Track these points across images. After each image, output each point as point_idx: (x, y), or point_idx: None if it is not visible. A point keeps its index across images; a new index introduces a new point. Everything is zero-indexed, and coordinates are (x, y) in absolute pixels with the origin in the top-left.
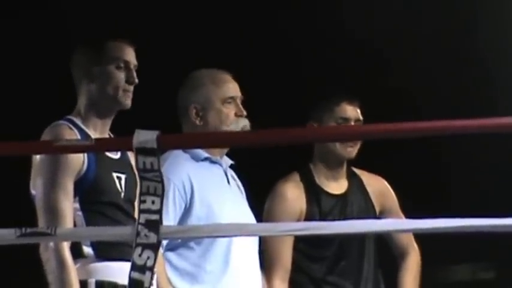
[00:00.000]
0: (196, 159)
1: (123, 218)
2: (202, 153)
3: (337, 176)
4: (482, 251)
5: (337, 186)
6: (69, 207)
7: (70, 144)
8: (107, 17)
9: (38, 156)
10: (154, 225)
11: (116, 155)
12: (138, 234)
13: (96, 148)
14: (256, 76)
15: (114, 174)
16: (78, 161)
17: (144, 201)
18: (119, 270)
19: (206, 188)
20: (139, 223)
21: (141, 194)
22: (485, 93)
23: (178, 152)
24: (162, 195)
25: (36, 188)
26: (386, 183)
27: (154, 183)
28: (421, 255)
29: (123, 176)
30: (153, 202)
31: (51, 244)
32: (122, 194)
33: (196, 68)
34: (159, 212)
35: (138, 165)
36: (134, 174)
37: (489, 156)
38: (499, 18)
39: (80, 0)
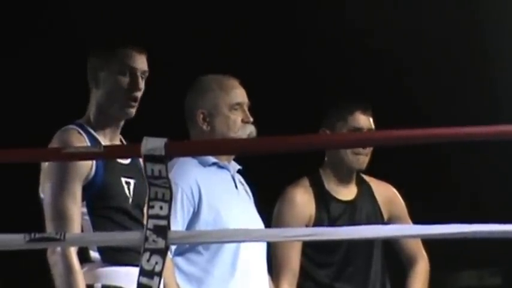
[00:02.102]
0: (204, 164)
1: (131, 224)
2: (210, 158)
3: (346, 182)
4: (489, 257)
5: (347, 192)
6: (77, 212)
7: (78, 152)
8: (116, 24)
9: (45, 162)
10: (163, 231)
11: (126, 160)
12: (146, 239)
13: (104, 155)
14: (266, 82)
15: (123, 180)
16: (87, 165)
17: (153, 207)
18: (125, 275)
19: (214, 193)
20: (147, 228)
21: (149, 199)
22: (498, 97)
23: (186, 157)
24: (170, 201)
25: (45, 192)
26: (395, 190)
27: (162, 189)
28: (429, 260)
29: (132, 181)
30: (161, 208)
31: (59, 248)
32: (130, 200)
33: (204, 73)
34: (167, 217)
35: (147, 172)
36: (144, 179)
37: (497, 162)
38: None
39: (90, 6)
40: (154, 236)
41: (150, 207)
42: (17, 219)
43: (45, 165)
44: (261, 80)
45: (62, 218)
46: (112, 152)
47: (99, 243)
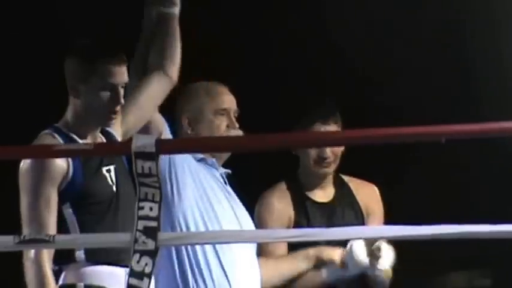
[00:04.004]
0: (195, 158)
1: (117, 213)
2: (198, 154)
3: (323, 184)
4: (478, 258)
5: (324, 194)
6: (52, 219)
7: (69, 148)
8: (105, 22)
9: (21, 167)
10: (153, 232)
11: None
12: (136, 241)
13: (94, 152)
14: (240, 85)
15: (104, 169)
16: (62, 168)
17: (142, 208)
18: (108, 275)
19: (205, 184)
20: (137, 230)
21: (139, 200)
22: (472, 97)
23: None
24: (160, 202)
25: (21, 198)
26: (375, 189)
27: (152, 190)
28: (418, 262)
29: (112, 167)
30: (151, 209)
31: (31, 255)
32: (114, 187)
33: (186, 73)
34: (157, 218)
35: (137, 170)
36: (123, 163)
37: (484, 162)
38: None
39: (78, 3)
40: (144, 238)
41: (139, 208)
42: (6, 221)
43: (21, 171)
44: (234, 82)
45: (36, 224)
46: (102, 148)
47: (88, 245)
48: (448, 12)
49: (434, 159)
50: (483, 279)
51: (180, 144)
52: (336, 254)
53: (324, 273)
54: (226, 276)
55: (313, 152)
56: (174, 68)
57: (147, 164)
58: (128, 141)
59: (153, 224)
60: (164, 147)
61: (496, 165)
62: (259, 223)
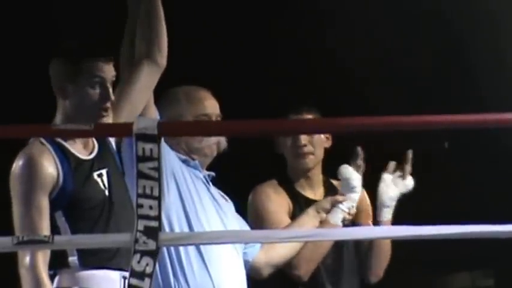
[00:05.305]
0: (179, 158)
1: (110, 218)
2: (180, 155)
3: (312, 184)
4: (481, 258)
5: (314, 194)
6: (45, 226)
7: (69, 128)
8: (96, 22)
9: (12, 173)
10: (154, 233)
11: (92, 154)
12: (136, 241)
13: (95, 133)
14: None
15: (95, 174)
16: (52, 175)
17: (141, 206)
18: (103, 278)
19: (190, 185)
20: (137, 230)
21: (137, 195)
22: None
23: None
24: (159, 198)
25: (13, 206)
26: (364, 192)
27: (151, 182)
28: (420, 263)
29: (104, 171)
30: (150, 207)
31: (26, 262)
32: (106, 191)
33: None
34: (158, 218)
35: (138, 152)
36: (116, 165)
37: (488, 162)
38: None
39: (68, 2)
40: (144, 238)
41: (138, 205)
42: (4, 222)
43: (11, 177)
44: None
45: (29, 232)
46: (103, 130)
47: (87, 246)
48: (447, 10)
49: (437, 159)
50: (486, 280)
51: (181, 127)
52: (331, 198)
53: (330, 219)
54: (209, 275)
55: (289, 143)
56: (161, 54)
57: (149, 146)
58: (129, 123)
59: (154, 224)
60: (166, 129)
61: (500, 165)
62: (257, 213)
